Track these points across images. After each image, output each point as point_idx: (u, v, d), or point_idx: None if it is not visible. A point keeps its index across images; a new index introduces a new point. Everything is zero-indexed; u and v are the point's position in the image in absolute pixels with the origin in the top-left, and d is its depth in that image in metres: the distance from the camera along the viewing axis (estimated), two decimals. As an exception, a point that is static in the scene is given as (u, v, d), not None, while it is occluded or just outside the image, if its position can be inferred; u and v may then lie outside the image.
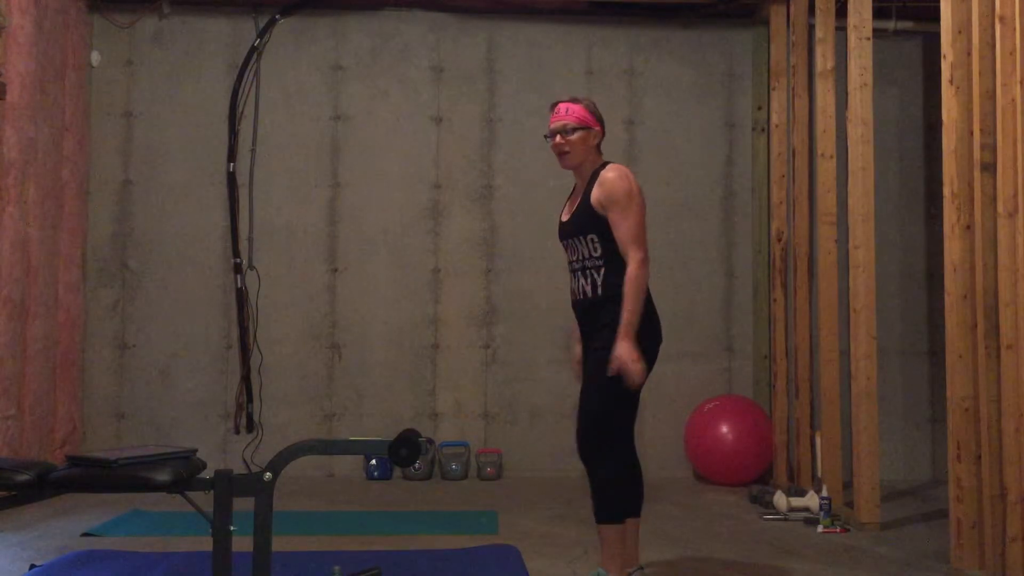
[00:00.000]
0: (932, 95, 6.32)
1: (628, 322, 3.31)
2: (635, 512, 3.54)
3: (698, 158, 6.47)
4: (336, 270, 6.31)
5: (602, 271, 3.42)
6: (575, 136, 3.49)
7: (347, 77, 6.39)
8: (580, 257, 3.48)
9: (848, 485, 5.00)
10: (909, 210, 6.47)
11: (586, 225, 3.44)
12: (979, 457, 3.84)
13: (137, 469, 2.80)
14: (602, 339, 3.38)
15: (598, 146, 3.55)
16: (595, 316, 3.45)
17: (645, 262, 3.36)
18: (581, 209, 3.46)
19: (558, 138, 3.51)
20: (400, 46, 6.42)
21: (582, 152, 3.50)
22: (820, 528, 4.66)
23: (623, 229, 3.36)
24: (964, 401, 3.92)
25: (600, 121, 3.55)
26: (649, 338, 3.42)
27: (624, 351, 3.29)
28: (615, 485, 3.45)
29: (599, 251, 3.42)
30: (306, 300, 6.28)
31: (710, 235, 6.45)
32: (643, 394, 6.48)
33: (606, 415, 3.43)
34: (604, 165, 3.49)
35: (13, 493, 3.06)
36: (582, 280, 3.48)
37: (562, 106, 3.53)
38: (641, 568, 3.54)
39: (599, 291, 3.42)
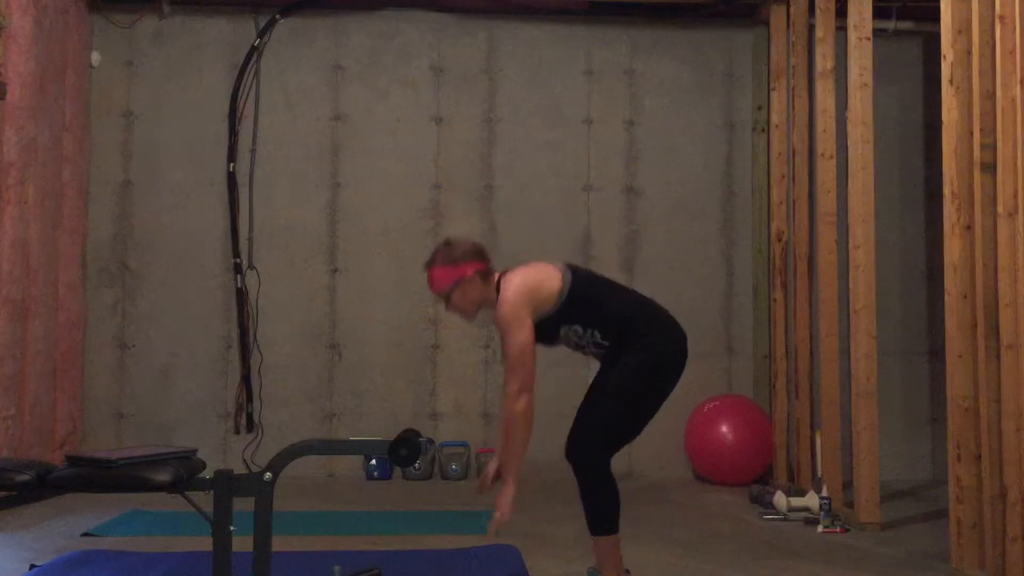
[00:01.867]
0: (932, 95, 6.32)
1: (508, 466, 3.14)
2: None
3: (698, 158, 6.47)
4: (336, 270, 6.31)
5: (597, 334, 3.30)
6: (452, 299, 3.30)
7: (347, 77, 6.39)
8: (571, 345, 3.38)
9: (848, 485, 5.00)
10: (909, 210, 6.47)
11: (550, 336, 3.33)
12: (979, 457, 3.84)
13: (137, 469, 2.80)
14: (635, 353, 3.28)
15: (484, 277, 3.30)
16: (613, 352, 3.34)
17: (522, 394, 3.15)
18: (544, 324, 3.31)
19: (445, 306, 3.36)
20: (400, 46, 6.42)
21: (469, 304, 3.30)
22: (820, 528, 4.66)
23: (506, 355, 3.19)
24: (964, 401, 3.91)
25: (466, 259, 3.28)
26: (655, 345, 3.33)
27: (505, 503, 3.16)
28: (610, 497, 3.34)
29: (581, 331, 3.31)
30: (306, 300, 6.27)
31: (710, 235, 6.45)
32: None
33: (611, 428, 3.32)
34: (499, 289, 3.26)
35: (13, 493, 3.05)
36: (589, 351, 3.38)
37: (428, 278, 3.32)
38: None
39: (606, 343, 3.32)
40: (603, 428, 3.31)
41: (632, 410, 3.32)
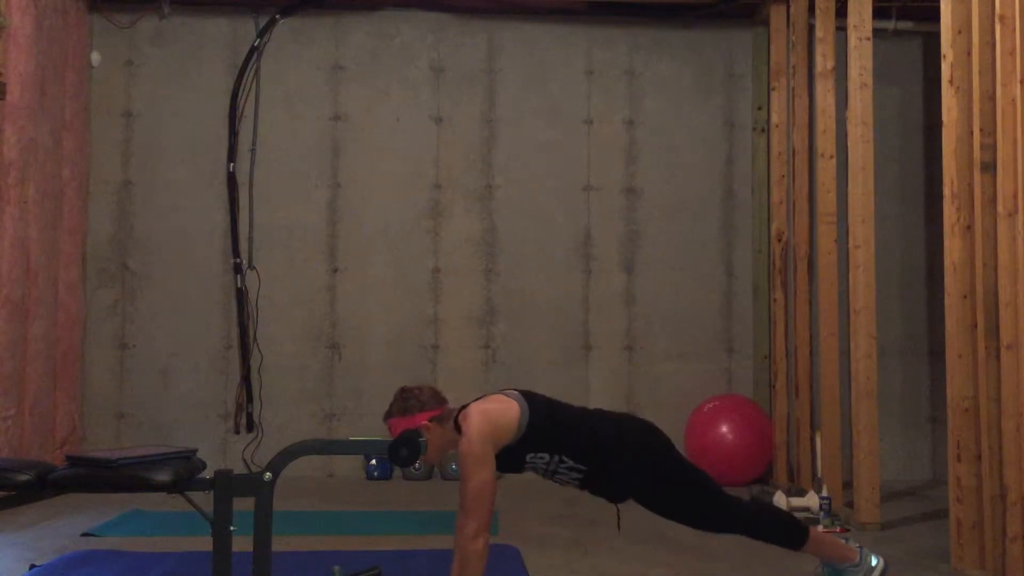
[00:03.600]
0: (932, 95, 6.31)
1: None
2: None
3: (698, 158, 6.47)
4: (336, 270, 6.31)
5: (567, 459, 3.20)
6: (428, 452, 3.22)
7: (347, 77, 6.39)
8: (540, 472, 3.27)
9: (848, 485, 5.00)
10: (909, 210, 6.47)
11: (516, 465, 3.23)
12: (979, 457, 3.84)
13: (137, 469, 2.80)
14: (631, 479, 3.24)
15: (441, 422, 3.22)
16: (600, 478, 3.26)
17: (479, 534, 2.96)
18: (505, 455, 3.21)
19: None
20: (400, 46, 6.42)
21: (433, 451, 3.22)
22: (820, 528, 4.65)
23: (464, 493, 3.03)
24: (964, 401, 3.91)
25: (421, 408, 3.23)
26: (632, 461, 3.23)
27: None
28: (767, 521, 3.38)
29: (547, 458, 3.20)
30: (306, 300, 6.27)
31: (710, 235, 6.44)
32: (643, 394, 6.52)
33: (703, 510, 3.31)
34: (460, 427, 3.18)
35: (13, 493, 3.06)
36: (561, 478, 3.27)
37: (388, 428, 3.30)
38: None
39: (583, 467, 3.21)
40: (703, 513, 3.31)
41: (688, 483, 3.29)
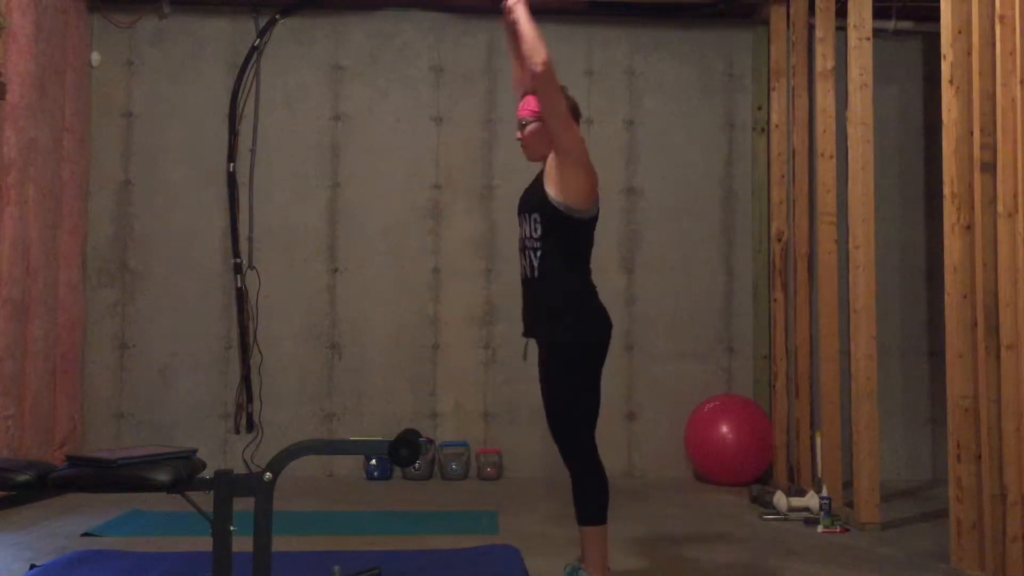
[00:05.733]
0: (932, 95, 6.31)
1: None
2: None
3: (698, 158, 6.47)
4: (336, 270, 6.31)
5: (539, 252, 3.39)
6: (528, 130, 3.48)
7: (347, 77, 6.39)
8: (524, 236, 3.47)
9: (848, 485, 5.00)
10: (909, 210, 6.48)
11: (533, 204, 3.43)
12: (979, 457, 3.84)
13: (137, 469, 2.80)
14: (545, 339, 3.42)
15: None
16: (535, 299, 3.46)
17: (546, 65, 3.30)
18: (533, 188, 3.47)
19: (518, 133, 3.52)
20: (400, 46, 6.42)
21: (538, 147, 3.47)
22: (820, 528, 4.66)
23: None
24: (964, 401, 3.91)
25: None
26: (585, 328, 3.40)
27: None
28: (593, 485, 3.38)
29: (539, 232, 3.39)
30: (306, 300, 6.28)
31: (710, 235, 6.45)
32: (643, 394, 6.52)
33: (565, 413, 3.42)
34: None
35: (13, 493, 3.06)
36: (523, 260, 3.47)
37: (524, 98, 3.50)
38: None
39: (535, 272, 3.41)
40: (560, 415, 3.42)
41: (581, 390, 3.41)
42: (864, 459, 4.72)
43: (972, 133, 3.90)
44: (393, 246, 6.31)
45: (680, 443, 6.18)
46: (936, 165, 6.19)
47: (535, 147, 3.48)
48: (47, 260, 5.60)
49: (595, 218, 3.47)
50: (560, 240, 3.37)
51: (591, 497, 3.36)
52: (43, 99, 5.50)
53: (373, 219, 6.32)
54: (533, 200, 3.43)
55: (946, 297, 4.02)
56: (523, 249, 3.46)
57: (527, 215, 3.44)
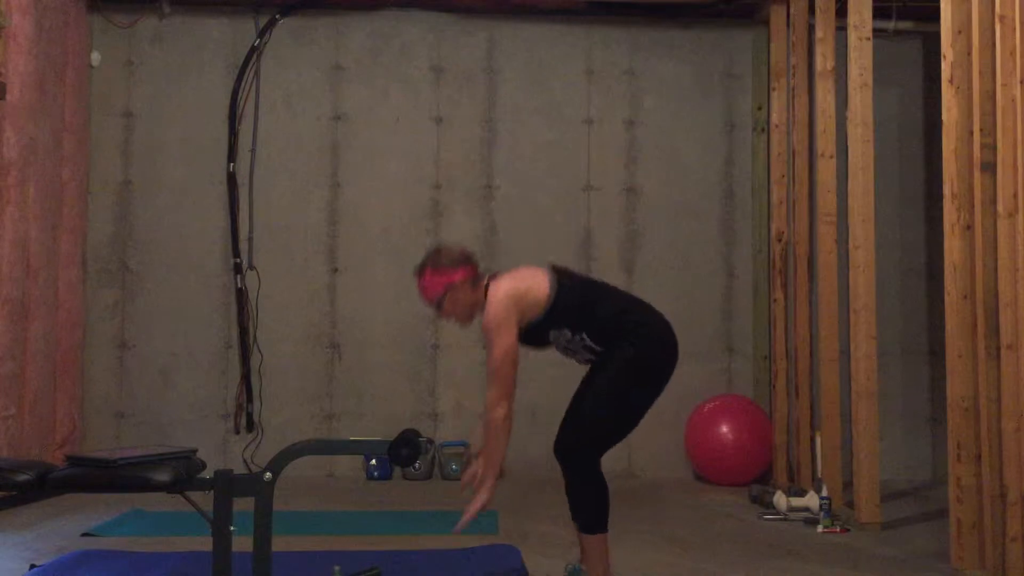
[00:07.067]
0: (932, 95, 6.32)
1: (488, 468, 3.16)
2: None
3: (698, 158, 6.47)
4: (336, 270, 6.31)
5: (586, 338, 3.30)
6: (444, 306, 3.34)
7: (347, 77, 6.39)
8: (563, 346, 3.38)
9: (848, 485, 5.00)
10: (909, 210, 6.47)
11: (540, 341, 3.36)
12: (979, 457, 3.84)
13: (137, 469, 2.80)
14: (623, 351, 3.27)
15: (473, 283, 3.33)
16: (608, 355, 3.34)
17: (501, 402, 3.17)
18: (526, 335, 3.33)
19: (438, 313, 3.40)
20: (400, 46, 6.42)
21: (461, 309, 3.35)
22: (820, 528, 4.66)
23: (489, 361, 3.23)
24: (964, 401, 3.91)
25: (455, 265, 3.31)
26: (645, 348, 3.31)
27: (485, 493, 3.15)
28: (601, 495, 3.32)
29: (570, 335, 3.31)
30: (306, 300, 6.27)
31: (710, 235, 6.44)
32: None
33: (601, 426, 3.30)
34: (487, 295, 3.30)
35: (13, 493, 3.06)
36: (581, 356, 3.37)
37: (418, 285, 3.36)
38: None
39: (599, 348, 3.31)
40: (593, 426, 3.29)
41: (622, 408, 3.31)
42: (864, 459, 4.72)
43: (972, 133, 3.90)
44: (393, 246, 6.31)
45: (680, 443, 6.18)
46: (936, 165, 6.20)
47: (461, 313, 3.37)
48: (47, 260, 5.60)
49: (553, 307, 3.30)
50: (568, 320, 3.29)
51: (591, 505, 3.32)
52: (43, 99, 5.50)
53: (373, 219, 6.32)
54: (538, 337, 3.36)
55: (946, 297, 4.02)
56: (570, 352, 3.38)
57: (542, 345, 3.40)
